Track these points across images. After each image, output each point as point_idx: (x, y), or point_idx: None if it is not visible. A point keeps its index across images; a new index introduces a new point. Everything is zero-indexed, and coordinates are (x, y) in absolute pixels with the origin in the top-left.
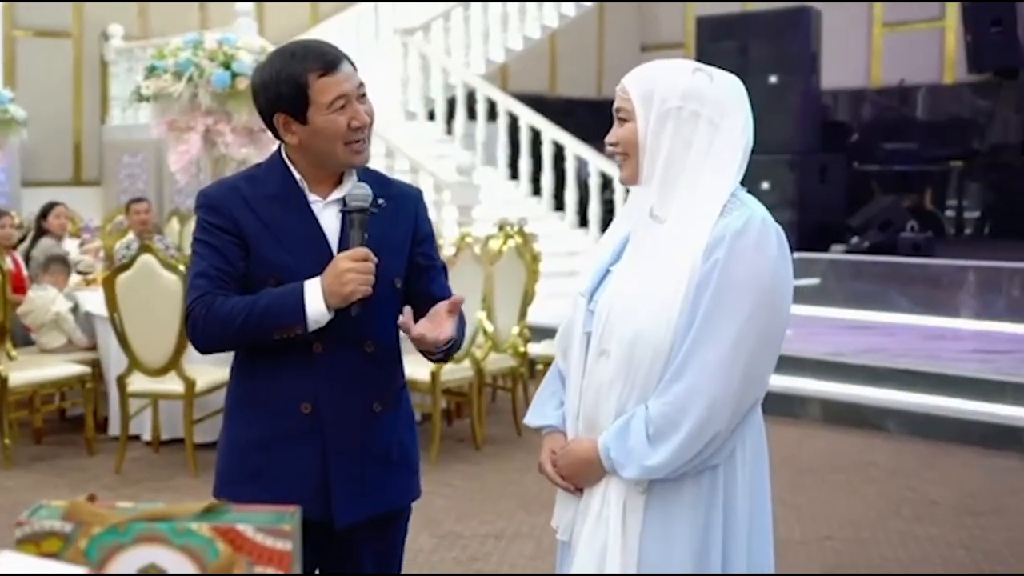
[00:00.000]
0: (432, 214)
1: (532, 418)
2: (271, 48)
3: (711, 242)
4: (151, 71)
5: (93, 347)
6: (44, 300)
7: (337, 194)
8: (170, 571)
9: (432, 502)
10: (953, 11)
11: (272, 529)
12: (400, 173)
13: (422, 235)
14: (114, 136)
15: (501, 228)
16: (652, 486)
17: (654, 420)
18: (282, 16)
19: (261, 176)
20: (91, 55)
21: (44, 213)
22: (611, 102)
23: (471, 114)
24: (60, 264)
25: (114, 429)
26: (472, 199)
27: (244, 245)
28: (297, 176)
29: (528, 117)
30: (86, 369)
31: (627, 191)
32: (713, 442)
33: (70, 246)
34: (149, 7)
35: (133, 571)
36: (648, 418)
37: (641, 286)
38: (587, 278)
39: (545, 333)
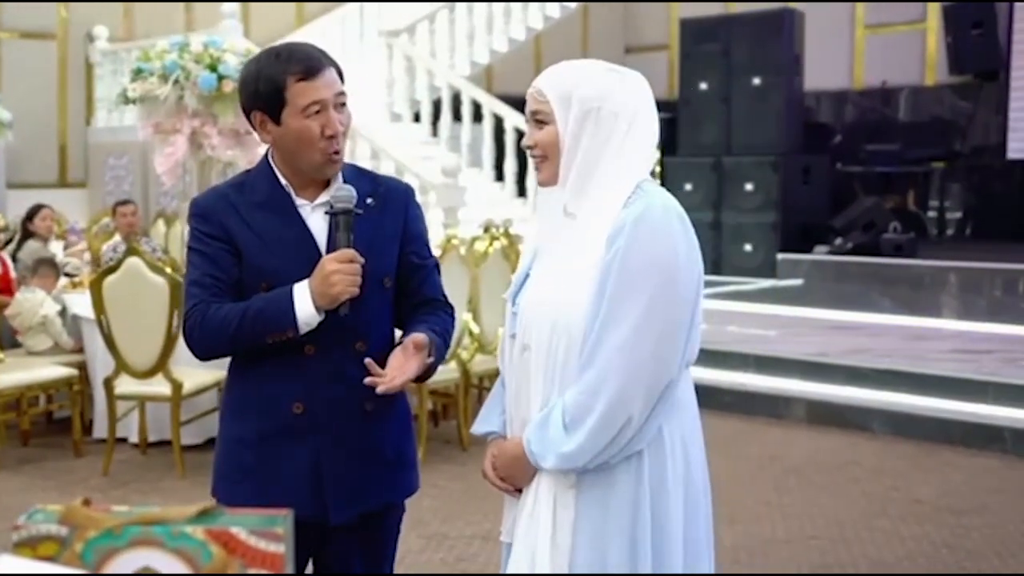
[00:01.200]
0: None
1: (477, 426)
2: (256, 50)
3: (612, 232)
4: (137, 73)
5: (80, 350)
6: (32, 303)
7: (324, 197)
8: (165, 574)
9: (419, 503)
10: (935, 13)
11: (265, 532)
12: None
13: (413, 233)
14: (99, 138)
15: (486, 230)
16: (581, 480)
17: (569, 408)
18: (267, 18)
19: (250, 183)
20: (76, 57)
21: (30, 215)
22: None
23: (456, 116)
24: (49, 267)
25: (100, 431)
26: (458, 201)
27: (236, 252)
28: (284, 181)
29: (513, 119)
30: (73, 371)
31: None
32: (627, 427)
33: (56, 248)
34: (134, 8)
35: (129, 574)
36: (564, 407)
37: (555, 280)
38: (512, 284)
39: None
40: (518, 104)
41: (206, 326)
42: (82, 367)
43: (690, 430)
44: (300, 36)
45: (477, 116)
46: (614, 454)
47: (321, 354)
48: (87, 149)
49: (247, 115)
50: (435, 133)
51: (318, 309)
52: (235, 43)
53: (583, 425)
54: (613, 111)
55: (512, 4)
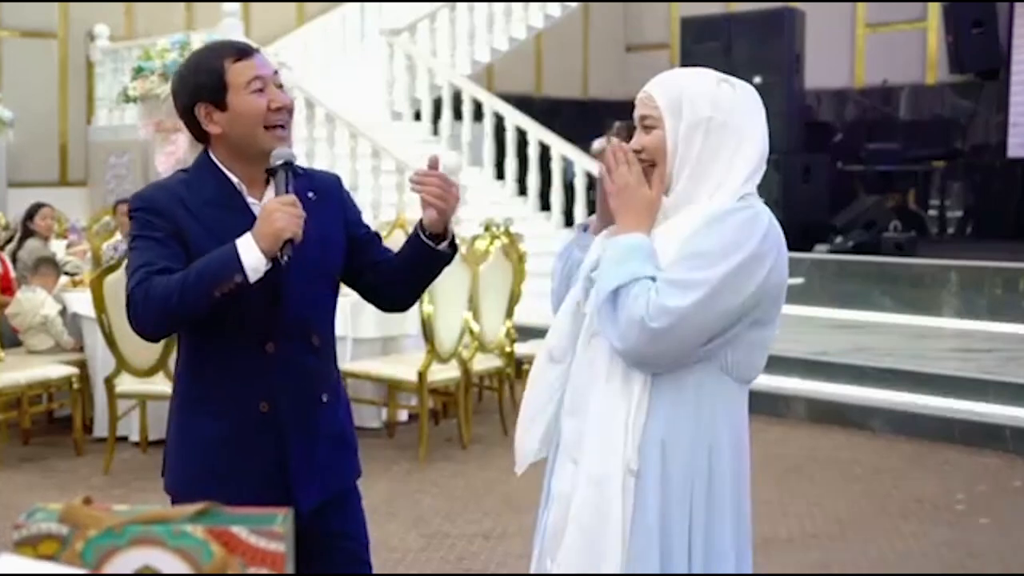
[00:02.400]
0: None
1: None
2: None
3: (709, 215)
4: (138, 72)
5: (80, 349)
6: (33, 303)
7: (271, 193)
8: (165, 572)
9: (420, 501)
10: (935, 12)
11: (265, 531)
12: (386, 173)
13: (353, 216)
14: (100, 137)
15: (487, 228)
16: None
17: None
18: (268, 16)
19: (195, 181)
20: (77, 55)
21: (30, 214)
22: (597, 102)
23: (457, 115)
24: (50, 266)
25: (100, 430)
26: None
27: (184, 246)
28: (234, 179)
29: (514, 117)
30: (74, 370)
31: None
32: (701, 331)
33: (56, 247)
34: (135, 7)
35: (129, 573)
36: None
37: None
38: (589, 261)
39: (532, 333)
40: (519, 103)
41: (150, 298)
42: (83, 366)
43: (742, 437)
44: (301, 35)
45: (478, 115)
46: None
47: (281, 351)
48: (88, 148)
49: (189, 115)
50: (436, 132)
51: (264, 252)
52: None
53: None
54: (724, 123)
55: (513, 3)
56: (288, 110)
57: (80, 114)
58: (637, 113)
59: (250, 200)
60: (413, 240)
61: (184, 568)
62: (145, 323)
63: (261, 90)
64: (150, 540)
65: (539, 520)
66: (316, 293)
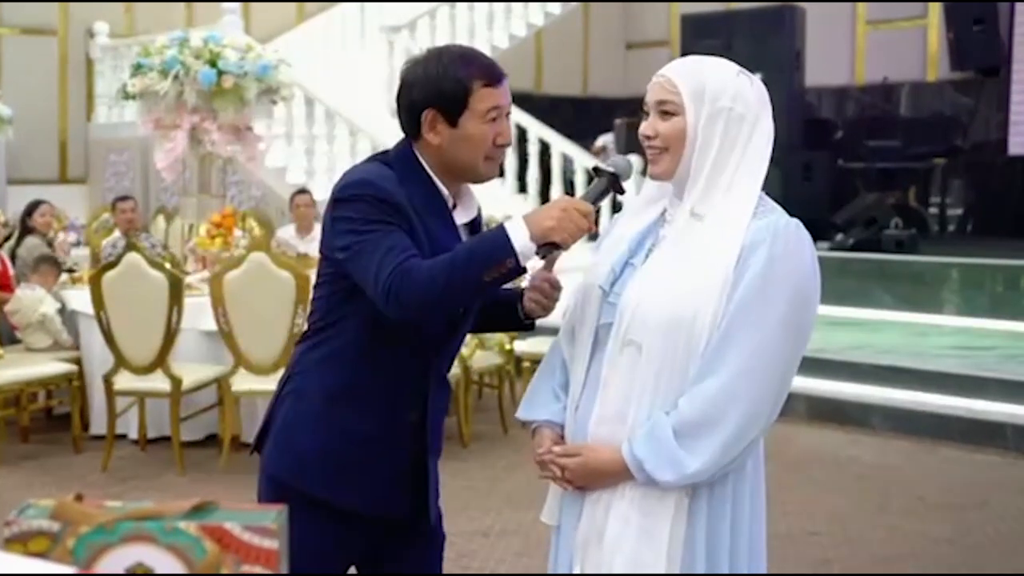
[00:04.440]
0: None
1: (523, 412)
2: (256, 46)
3: (749, 242)
4: (137, 69)
5: (77, 347)
6: (32, 300)
7: (463, 216)
8: (158, 570)
9: None
10: (936, 9)
11: (259, 528)
12: None
13: None
14: (100, 134)
15: (486, 226)
16: (698, 493)
17: (689, 420)
18: (268, 14)
19: (407, 181)
20: (77, 53)
21: (29, 211)
22: (597, 100)
23: None
24: (49, 264)
25: (98, 428)
26: None
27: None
28: (446, 192)
29: (513, 115)
30: (72, 367)
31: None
32: (750, 447)
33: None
34: (135, 5)
35: (121, 570)
36: (681, 418)
37: (677, 280)
38: (604, 271)
39: (531, 331)
40: (519, 100)
41: (414, 280)
42: (79, 363)
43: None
44: (301, 32)
45: None
46: (729, 469)
47: (439, 362)
48: (88, 145)
49: (415, 113)
50: None
51: (532, 237)
52: (235, 39)
53: (708, 442)
54: (741, 114)
55: (513, 1)
56: (509, 145)
57: (80, 111)
58: (655, 97)
59: (454, 214)
60: (507, 310)
61: (177, 565)
62: (412, 305)
63: (495, 120)
64: (142, 537)
65: (561, 509)
66: (472, 312)
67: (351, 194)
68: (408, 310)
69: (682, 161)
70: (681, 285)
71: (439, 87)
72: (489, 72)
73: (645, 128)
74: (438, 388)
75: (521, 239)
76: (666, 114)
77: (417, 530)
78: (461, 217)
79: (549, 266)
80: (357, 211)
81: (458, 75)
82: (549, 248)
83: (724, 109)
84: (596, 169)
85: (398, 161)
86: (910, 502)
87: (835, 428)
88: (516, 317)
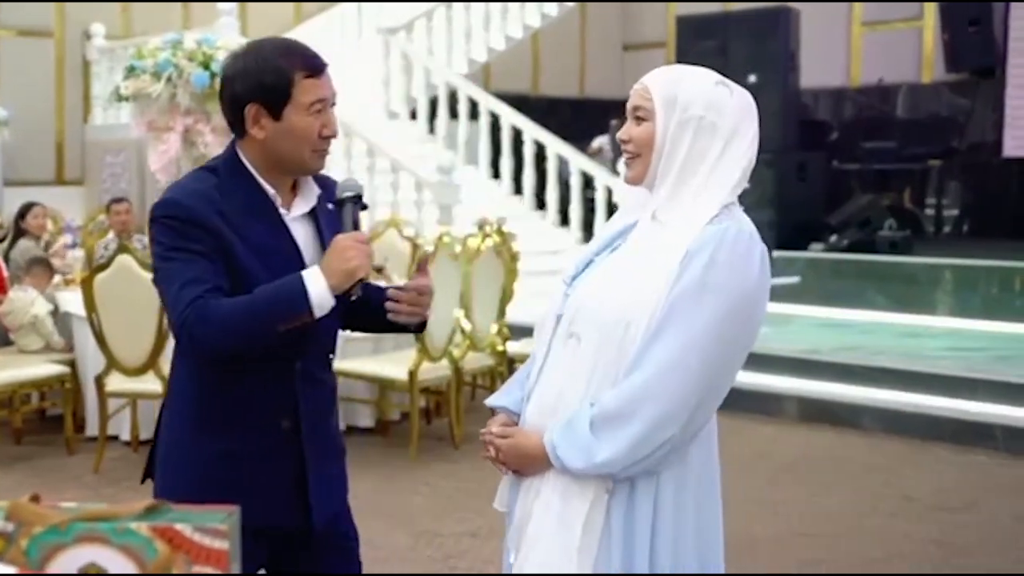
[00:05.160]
0: (413, 213)
1: (491, 399)
2: None
3: (693, 246)
4: (130, 71)
5: (70, 348)
6: (24, 302)
7: (302, 207)
8: (110, 570)
9: (410, 500)
10: (931, 11)
11: (209, 529)
12: (381, 172)
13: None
14: (97, 135)
15: (480, 227)
16: (618, 485)
17: (606, 411)
18: (265, 15)
19: (228, 186)
20: (73, 54)
21: (22, 214)
22: (594, 101)
23: (453, 113)
24: (42, 267)
25: (92, 429)
26: (453, 198)
27: (225, 260)
28: (269, 189)
29: (510, 116)
30: (65, 369)
31: (611, 190)
32: (666, 444)
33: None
34: (132, 6)
35: (73, 571)
36: (600, 409)
37: (623, 277)
38: (572, 266)
39: (525, 332)
40: (516, 102)
41: (209, 320)
42: (72, 365)
43: (711, 453)
44: (297, 34)
45: (474, 114)
46: (648, 467)
47: (306, 367)
48: (84, 146)
49: (237, 108)
50: (432, 131)
51: (333, 290)
52: (229, 40)
53: (620, 435)
54: (714, 124)
55: (510, 2)
56: (335, 137)
57: (76, 113)
58: (631, 104)
59: (282, 212)
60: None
61: (129, 566)
62: (204, 347)
63: (320, 112)
64: (95, 538)
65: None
66: (336, 308)
67: (158, 215)
68: (202, 350)
69: (650, 167)
70: (625, 283)
71: (260, 80)
72: (311, 63)
73: (621, 133)
74: (312, 391)
75: (318, 291)
76: (639, 119)
77: (318, 535)
78: (300, 208)
79: (358, 294)
80: (163, 234)
81: (279, 67)
82: (359, 285)
83: (694, 118)
84: (337, 202)
85: (224, 164)
86: (899, 503)
87: (826, 429)
88: (398, 325)
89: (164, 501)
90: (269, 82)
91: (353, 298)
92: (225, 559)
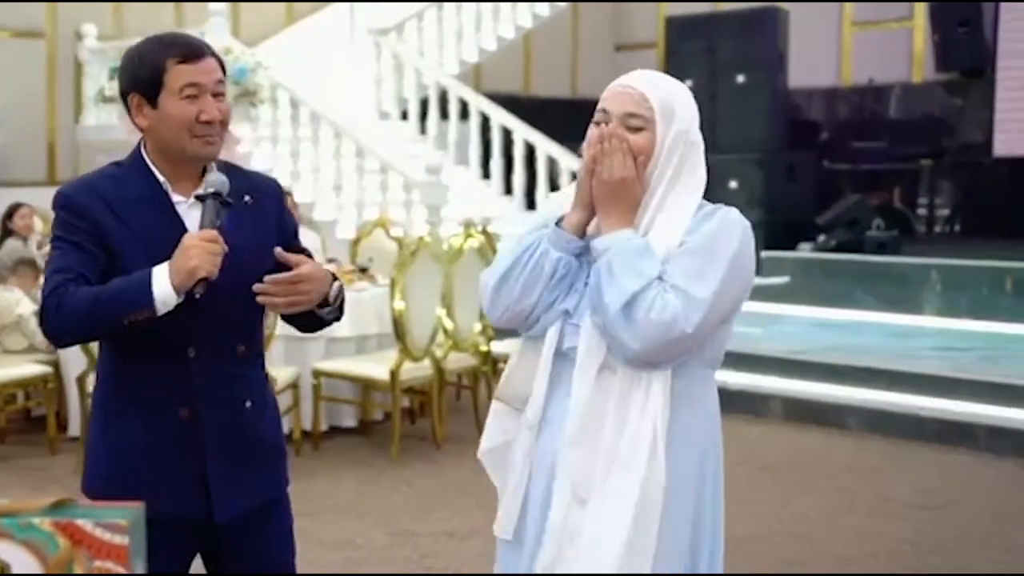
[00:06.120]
0: (401, 214)
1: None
2: (239, 48)
3: (691, 227)
4: (115, 72)
5: (54, 349)
6: (8, 302)
7: (200, 188)
8: (14, 566)
9: (389, 500)
10: (921, 11)
11: (110, 524)
12: (370, 172)
13: (291, 227)
14: (88, 136)
15: (465, 227)
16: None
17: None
18: (257, 16)
19: (123, 176)
20: (65, 55)
21: (9, 214)
22: (586, 101)
23: (444, 114)
24: (28, 267)
25: (76, 429)
26: (441, 199)
27: (108, 250)
28: (160, 176)
29: (500, 117)
30: (48, 369)
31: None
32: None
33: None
34: (123, 7)
35: None
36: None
37: None
38: (572, 296)
39: (508, 332)
40: (507, 102)
41: (63, 309)
42: (57, 365)
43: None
44: (289, 34)
45: (464, 114)
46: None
47: (204, 358)
48: (76, 147)
49: (124, 99)
50: (423, 131)
51: (176, 288)
52: (216, 40)
53: (650, 307)
54: (697, 137)
55: (501, 3)
56: (220, 123)
57: (68, 113)
58: (624, 109)
59: (175, 198)
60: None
61: (32, 562)
62: (56, 334)
63: (195, 97)
64: None
65: (522, 544)
66: (244, 297)
67: (54, 206)
68: (55, 336)
69: (642, 175)
70: None
71: (136, 72)
72: (184, 50)
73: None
74: (216, 383)
75: (162, 289)
76: (636, 129)
77: (236, 527)
78: (197, 192)
79: (201, 292)
80: (55, 225)
81: (153, 57)
82: (202, 283)
83: (685, 131)
84: (198, 197)
85: (130, 156)
86: (879, 502)
87: (812, 429)
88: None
89: (71, 498)
90: (144, 72)
91: (197, 296)
92: (125, 554)
